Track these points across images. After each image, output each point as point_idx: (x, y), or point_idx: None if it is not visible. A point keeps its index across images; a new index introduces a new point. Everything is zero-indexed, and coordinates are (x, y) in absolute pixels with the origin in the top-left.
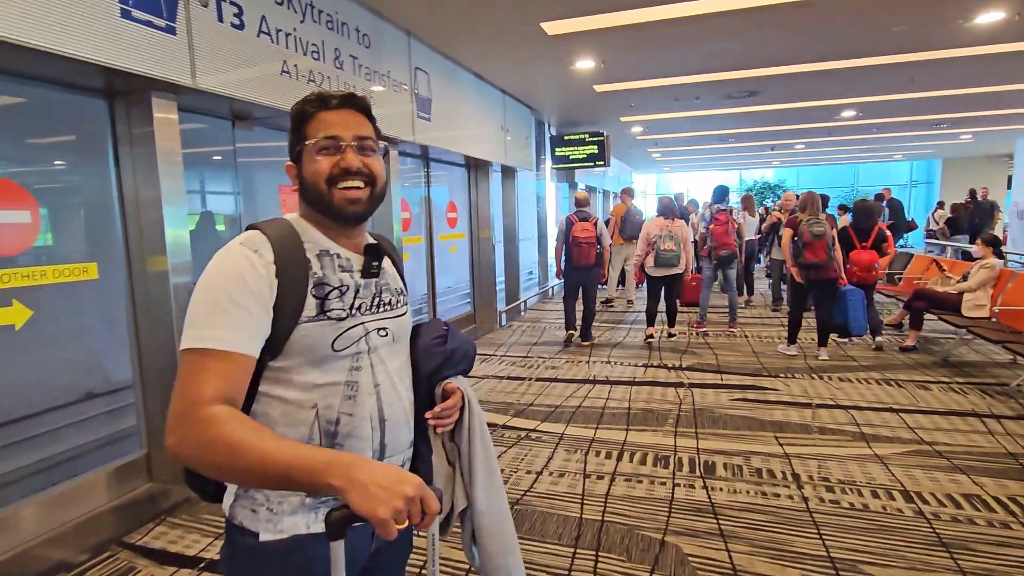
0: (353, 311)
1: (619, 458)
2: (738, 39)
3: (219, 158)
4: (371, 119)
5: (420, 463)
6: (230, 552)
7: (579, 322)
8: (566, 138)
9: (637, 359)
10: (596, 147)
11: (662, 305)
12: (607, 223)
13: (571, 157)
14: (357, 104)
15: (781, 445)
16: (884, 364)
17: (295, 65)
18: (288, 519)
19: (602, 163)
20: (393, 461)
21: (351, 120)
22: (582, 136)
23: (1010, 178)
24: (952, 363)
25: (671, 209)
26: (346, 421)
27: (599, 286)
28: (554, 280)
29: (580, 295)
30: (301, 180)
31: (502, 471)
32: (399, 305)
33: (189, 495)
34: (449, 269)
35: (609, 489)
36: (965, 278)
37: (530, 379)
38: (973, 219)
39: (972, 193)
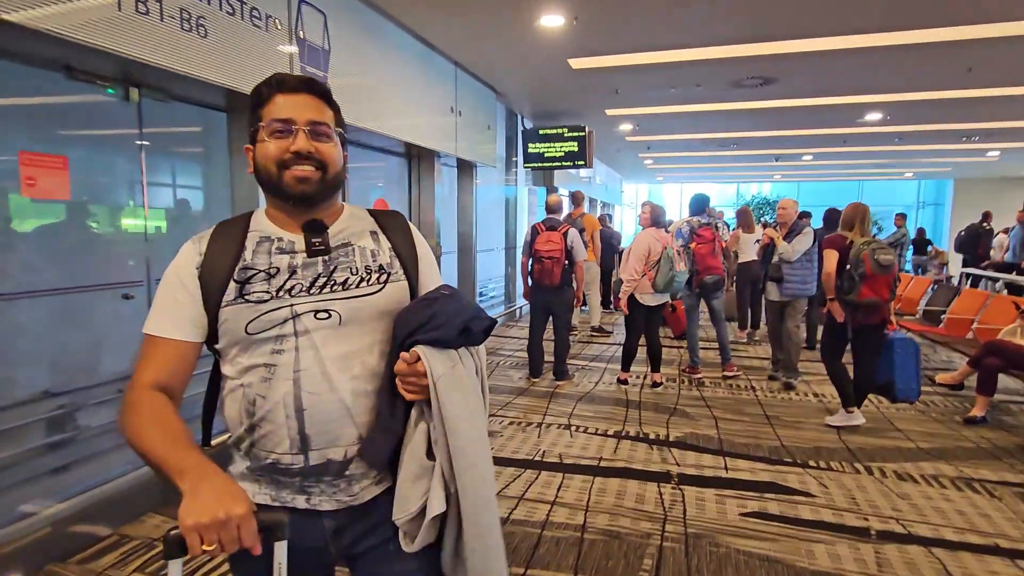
0: (280, 293)
1: None
2: None
3: None
4: (331, 105)
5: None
6: None
7: (549, 358)
8: (541, 132)
9: (608, 422)
10: (576, 144)
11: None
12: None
13: (546, 155)
14: (315, 89)
15: None
16: (949, 447)
17: None
18: (239, 483)
19: (583, 163)
20: (328, 455)
21: (308, 104)
22: (560, 131)
23: None
24: None
25: (663, 221)
26: (260, 403)
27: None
28: (522, 299)
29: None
30: (255, 164)
31: None
32: (366, 284)
33: None
34: None
35: None
36: None
37: None
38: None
39: (985, 216)
